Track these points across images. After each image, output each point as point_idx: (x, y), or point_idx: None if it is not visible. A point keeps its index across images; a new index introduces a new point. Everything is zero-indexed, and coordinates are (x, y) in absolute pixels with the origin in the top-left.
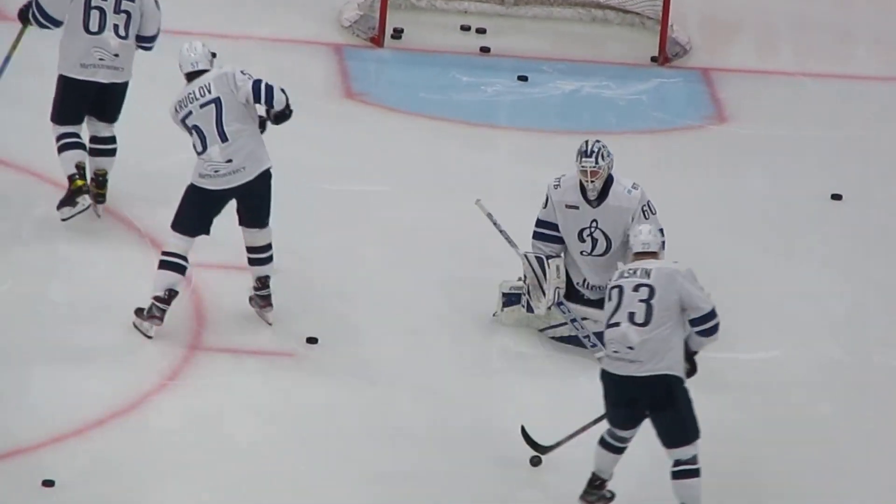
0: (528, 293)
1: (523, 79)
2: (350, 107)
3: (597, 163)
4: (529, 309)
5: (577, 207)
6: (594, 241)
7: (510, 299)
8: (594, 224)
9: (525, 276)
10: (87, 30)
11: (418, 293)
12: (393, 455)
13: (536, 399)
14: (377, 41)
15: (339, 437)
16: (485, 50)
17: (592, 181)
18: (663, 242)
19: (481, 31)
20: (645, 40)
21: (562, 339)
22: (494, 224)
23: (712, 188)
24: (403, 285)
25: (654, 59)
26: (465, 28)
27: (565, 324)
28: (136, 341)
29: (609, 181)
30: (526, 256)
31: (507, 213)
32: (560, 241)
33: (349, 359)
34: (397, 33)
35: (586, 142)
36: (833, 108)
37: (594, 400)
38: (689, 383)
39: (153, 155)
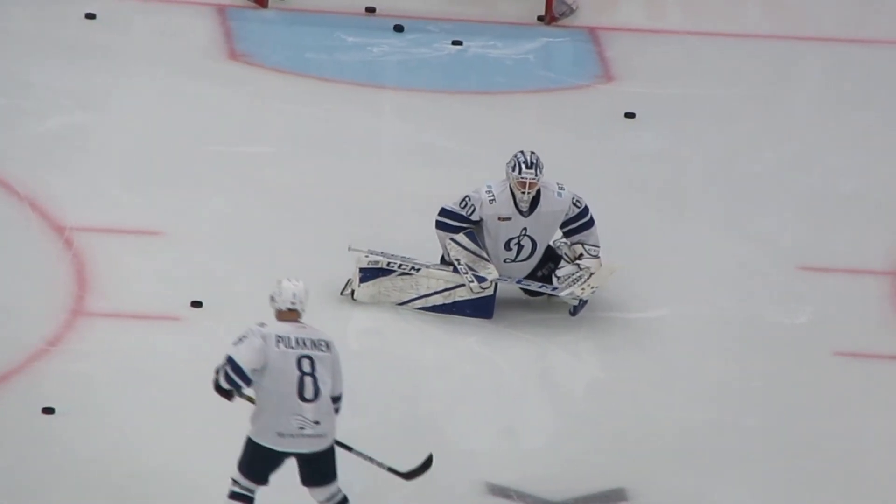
0: (470, 270)
1: (458, 43)
2: (234, 68)
3: (536, 175)
4: (479, 282)
5: (509, 219)
6: (520, 248)
7: (367, 274)
8: (524, 231)
9: (459, 260)
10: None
11: (305, 254)
12: None
13: (430, 359)
14: (261, 1)
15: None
16: (370, 10)
17: (529, 192)
18: (586, 209)
19: None
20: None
21: (528, 292)
22: (383, 257)
23: (601, 147)
24: (290, 247)
25: (540, 19)
26: None
27: (425, 296)
28: (17, 305)
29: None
30: (453, 240)
31: (394, 174)
32: (468, 226)
33: (234, 322)
34: None
35: (522, 152)
36: (722, 67)
37: (486, 356)
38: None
39: (33, 118)
